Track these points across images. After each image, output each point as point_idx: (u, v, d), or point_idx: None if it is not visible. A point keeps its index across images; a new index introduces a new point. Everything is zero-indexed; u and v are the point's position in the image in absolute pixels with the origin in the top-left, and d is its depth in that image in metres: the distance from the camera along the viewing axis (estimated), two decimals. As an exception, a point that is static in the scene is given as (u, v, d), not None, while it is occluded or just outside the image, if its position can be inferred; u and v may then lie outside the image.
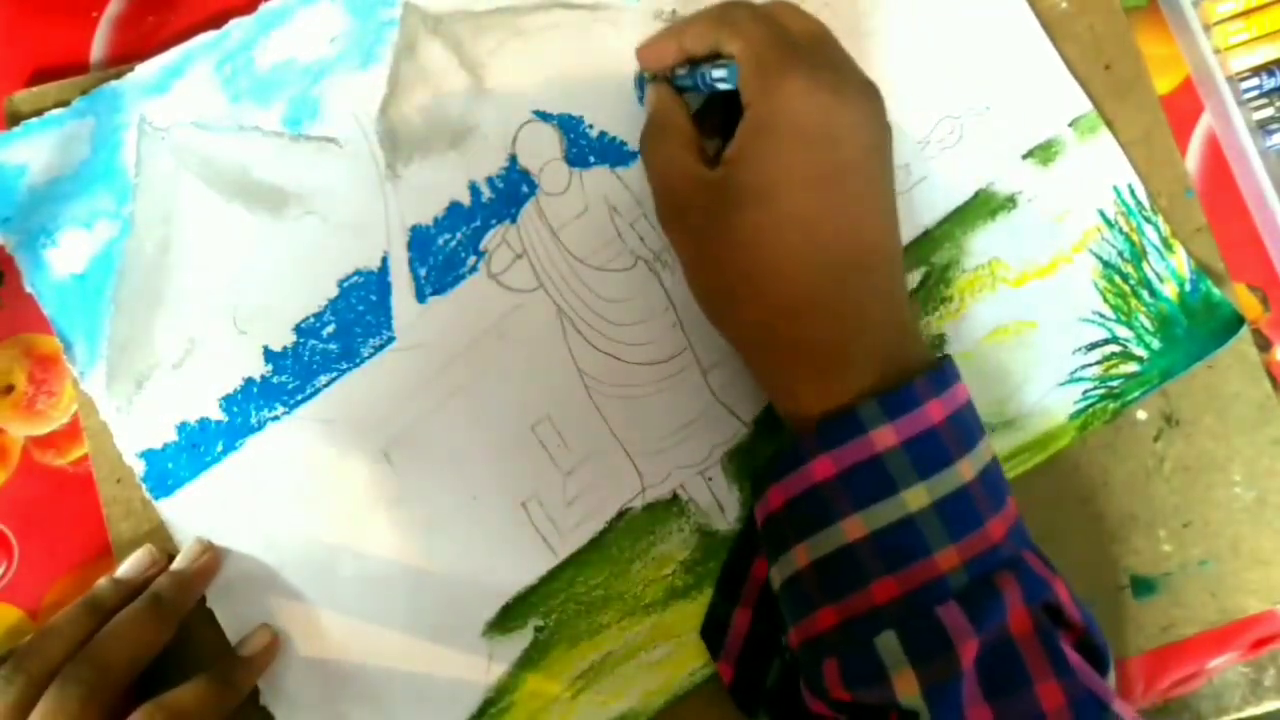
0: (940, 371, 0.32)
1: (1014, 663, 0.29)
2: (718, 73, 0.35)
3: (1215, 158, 0.42)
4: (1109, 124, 0.41)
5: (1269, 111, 0.41)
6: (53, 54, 0.43)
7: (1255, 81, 0.41)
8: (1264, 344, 0.42)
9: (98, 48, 0.43)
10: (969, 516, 0.30)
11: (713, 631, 0.38)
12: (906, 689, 0.29)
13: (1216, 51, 0.42)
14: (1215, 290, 0.40)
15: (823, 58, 0.34)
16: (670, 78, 0.38)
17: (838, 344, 0.33)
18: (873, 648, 0.30)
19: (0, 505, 0.42)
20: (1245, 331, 0.40)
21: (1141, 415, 0.40)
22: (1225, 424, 0.40)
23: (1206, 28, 0.42)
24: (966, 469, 0.31)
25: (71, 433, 0.42)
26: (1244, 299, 0.42)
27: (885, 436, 0.30)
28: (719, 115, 0.38)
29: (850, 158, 0.33)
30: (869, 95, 0.34)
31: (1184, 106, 0.42)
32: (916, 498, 0.30)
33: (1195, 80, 0.43)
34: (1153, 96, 0.42)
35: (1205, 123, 0.43)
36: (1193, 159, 0.42)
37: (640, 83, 0.40)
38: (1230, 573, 0.40)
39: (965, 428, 0.32)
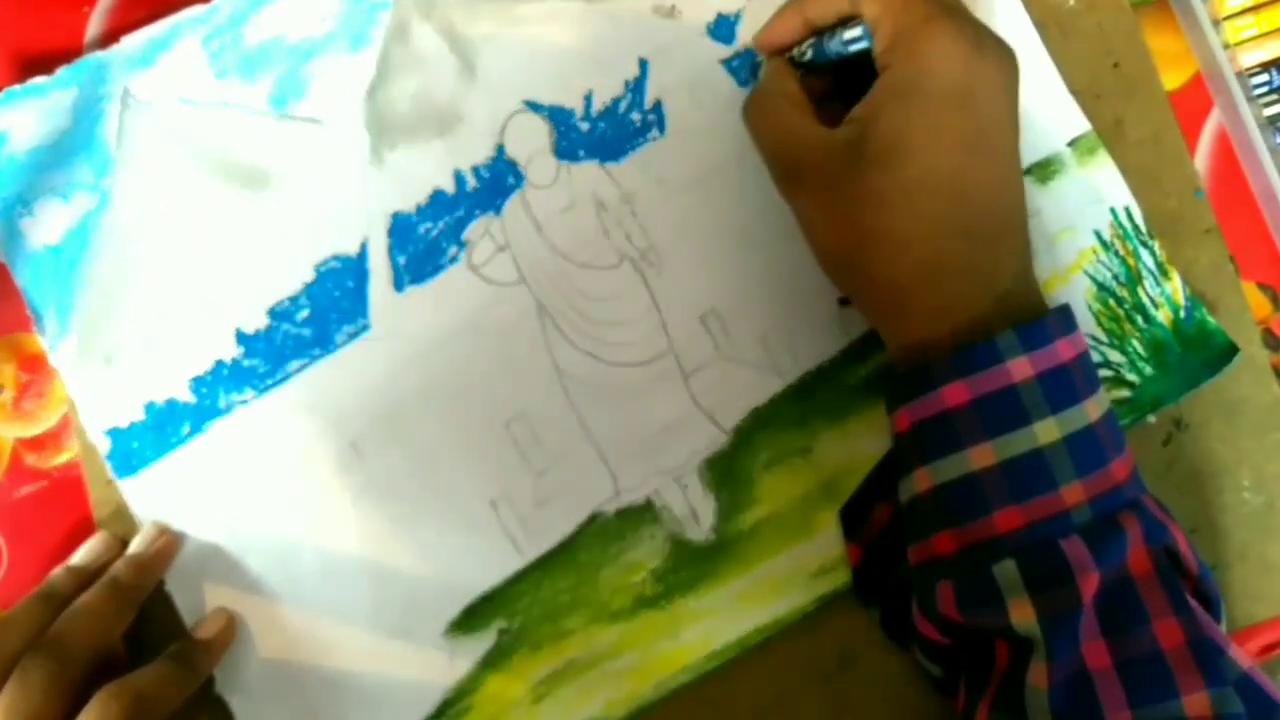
0: (1067, 313, 0.32)
1: (1133, 601, 0.30)
2: (851, 33, 0.34)
3: (1225, 154, 0.42)
4: (1117, 123, 0.41)
5: (1279, 108, 0.41)
6: (44, 46, 0.42)
7: (1265, 77, 0.41)
8: (1274, 343, 0.41)
9: (90, 41, 0.42)
10: (1095, 454, 0.31)
11: (853, 513, 0.39)
12: (1022, 616, 0.30)
13: (1226, 47, 0.41)
14: (1210, 318, 0.39)
15: (961, 15, 0.33)
16: (786, 54, 0.37)
17: (972, 303, 0.32)
18: (990, 574, 0.30)
19: (-10, 508, 0.41)
20: (1238, 360, 0.39)
21: (1150, 419, 0.40)
22: (1234, 428, 0.40)
23: (1216, 23, 0.42)
24: (1093, 409, 0.31)
25: (61, 434, 0.41)
26: (1253, 298, 0.41)
27: (1022, 367, 0.31)
28: (818, 81, 0.37)
29: (992, 118, 0.32)
30: (1008, 53, 0.34)
31: (1193, 102, 0.42)
32: (1047, 431, 0.30)
33: (1205, 76, 0.42)
34: (1161, 94, 0.41)
35: (1215, 119, 0.42)
36: (1202, 155, 0.42)
37: (739, 64, 0.40)
38: (1238, 579, 0.40)
39: (1089, 370, 0.32)
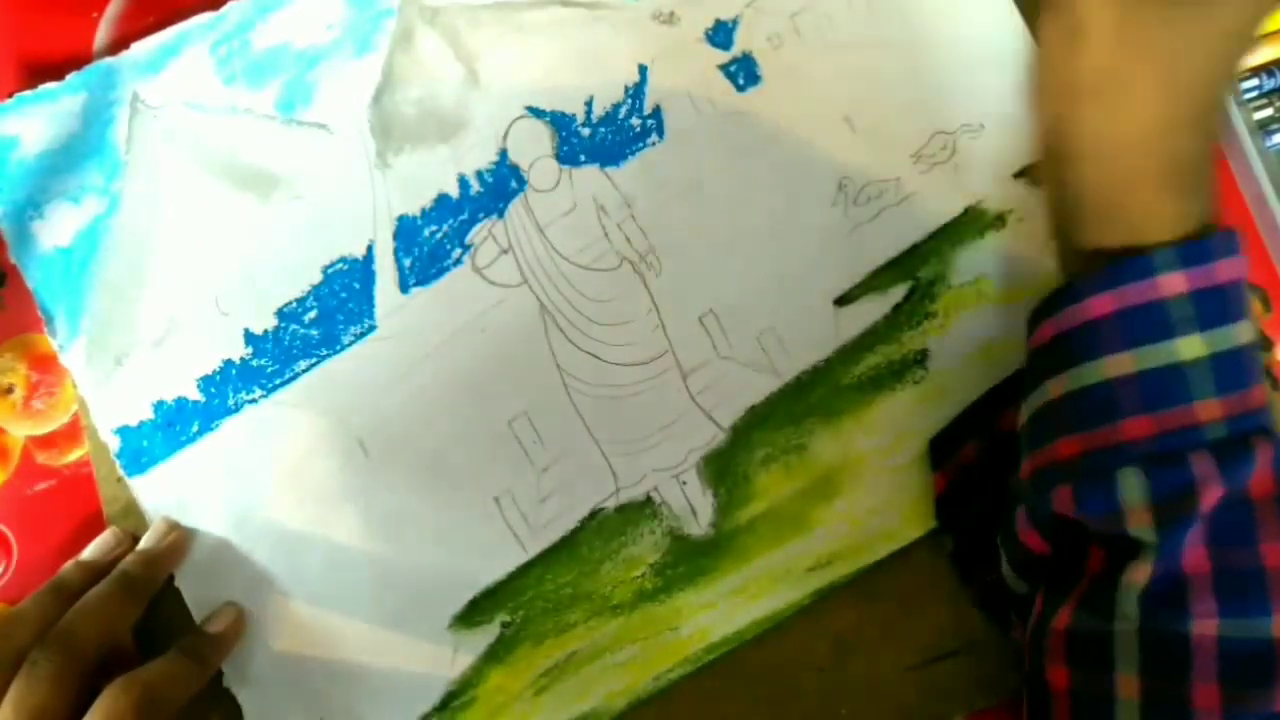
0: (1231, 236, 0.32)
1: (1247, 518, 0.30)
2: None
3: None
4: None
5: (1269, 112, 0.42)
6: (54, 52, 0.42)
7: (1255, 82, 0.41)
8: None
9: (99, 48, 0.43)
10: (1239, 376, 0.30)
11: (942, 445, 0.39)
12: (1139, 522, 0.30)
13: (1216, 50, 0.42)
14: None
15: None
16: None
17: (1199, 165, 0.32)
18: (1113, 479, 0.30)
19: (0, 505, 0.42)
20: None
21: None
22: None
23: (1206, 28, 0.42)
24: (1244, 333, 0.31)
25: (71, 433, 0.42)
26: None
27: (1174, 283, 0.30)
28: None
29: None
30: None
31: (1184, 107, 0.43)
32: (1191, 347, 0.30)
33: (1195, 80, 0.43)
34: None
35: (1205, 122, 0.43)
36: (1192, 158, 0.42)
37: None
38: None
39: (1243, 297, 0.32)
